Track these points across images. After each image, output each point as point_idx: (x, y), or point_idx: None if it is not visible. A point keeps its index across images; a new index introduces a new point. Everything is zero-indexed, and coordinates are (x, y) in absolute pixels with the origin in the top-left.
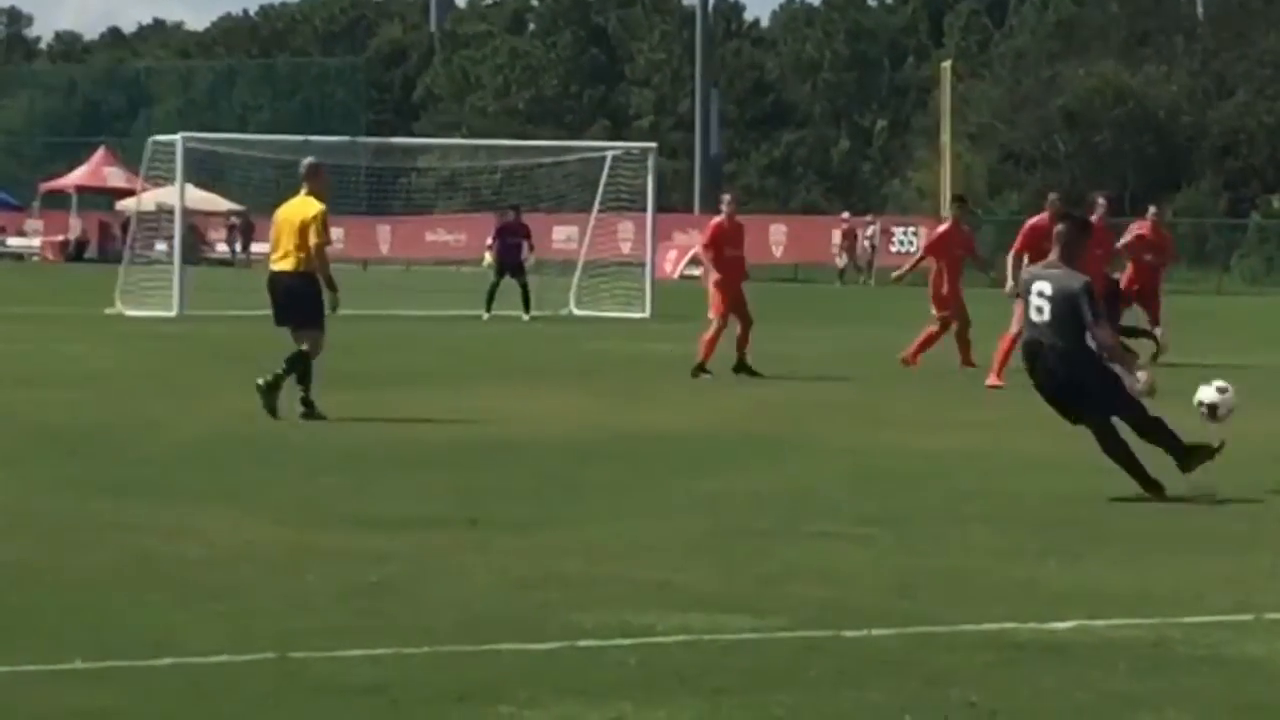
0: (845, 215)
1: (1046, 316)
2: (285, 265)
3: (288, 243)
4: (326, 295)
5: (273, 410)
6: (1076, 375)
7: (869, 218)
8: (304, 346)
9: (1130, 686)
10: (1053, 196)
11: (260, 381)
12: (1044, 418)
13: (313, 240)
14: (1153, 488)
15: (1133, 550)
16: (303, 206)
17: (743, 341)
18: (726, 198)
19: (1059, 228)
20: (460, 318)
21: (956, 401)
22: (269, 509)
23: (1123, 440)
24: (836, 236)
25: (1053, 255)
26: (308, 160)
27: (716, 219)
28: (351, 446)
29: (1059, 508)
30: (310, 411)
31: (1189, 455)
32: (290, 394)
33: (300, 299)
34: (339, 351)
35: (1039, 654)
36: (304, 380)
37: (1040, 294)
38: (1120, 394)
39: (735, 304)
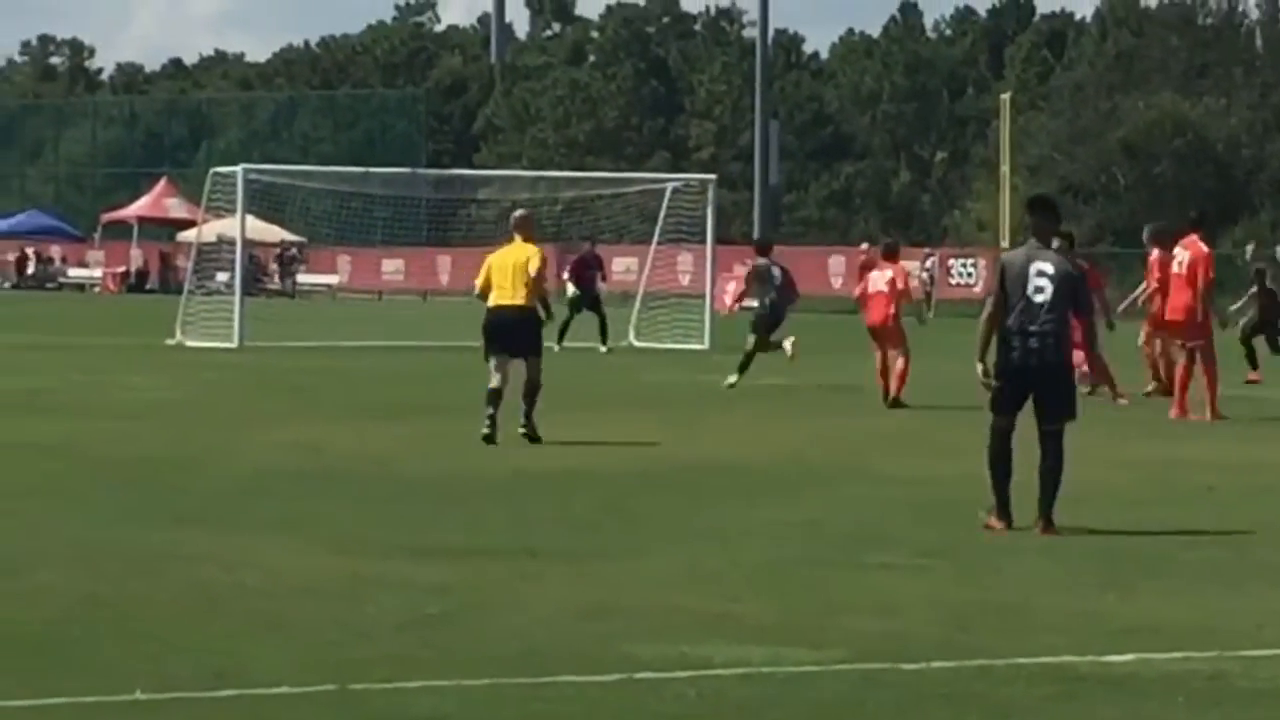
0: (864, 246)
1: (1048, 296)
2: (513, 301)
3: (515, 282)
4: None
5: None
6: (1063, 359)
7: (927, 250)
8: (532, 374)
9: (1189, 719)
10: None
11: (521, 431)
12: (1101, 451)
13: (533, 272)
14: (1005, 516)
15: (1191, 583)
16: (522, 251)
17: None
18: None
19: (1035, 217)
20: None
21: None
22: (329, 540)
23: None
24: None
25: (1033, 240)
26: (519, 212)
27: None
28: (411, 477)
29: (1118, 540)
30: (531, 433)
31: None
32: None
33: (527, 331)
34: (400, 382)
35: (1098, 687)
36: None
37: (1042, 274)
38: (1075, 396)
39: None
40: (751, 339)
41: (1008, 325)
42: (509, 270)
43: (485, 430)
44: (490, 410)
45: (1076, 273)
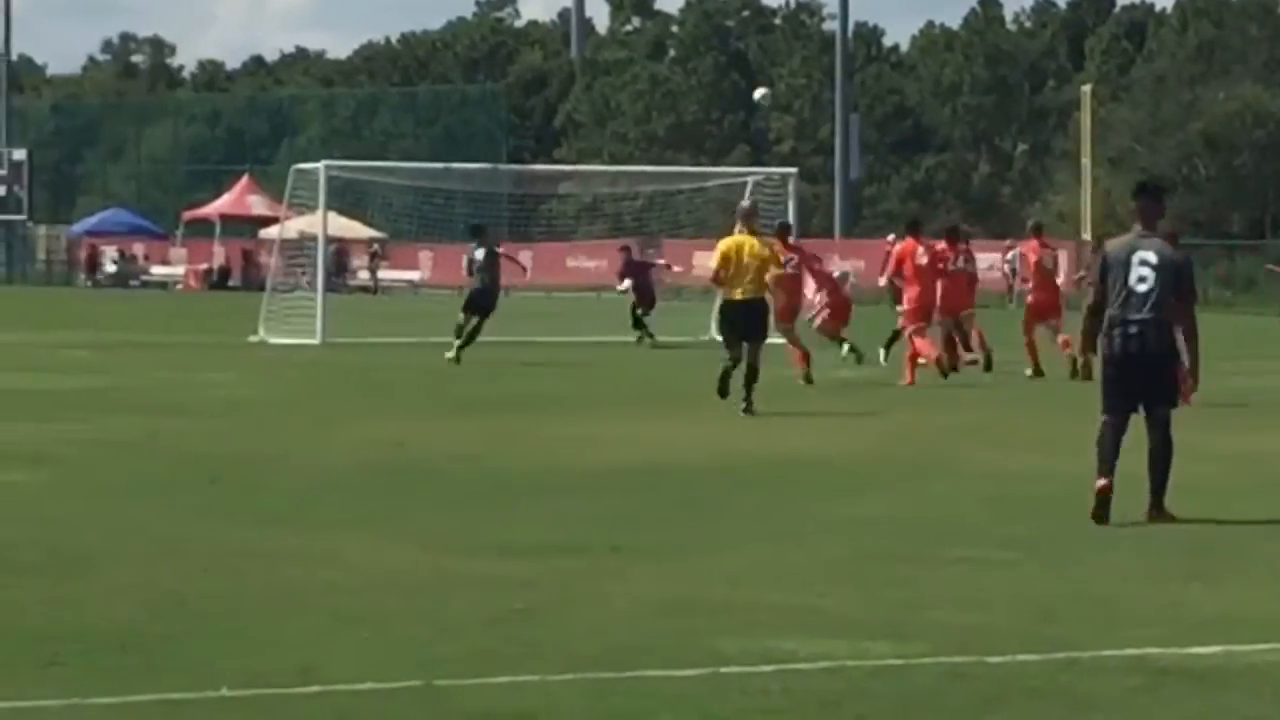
0: (890, 238)
1: (1151, 285)
2: (749, 294)
3: (751, 275)
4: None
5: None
6: (1166, 347)
7: (1008, 242)
8: (753, 358)
9: (1275, 712)
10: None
11: (742, 408)
12: (1183, 442)
13: (773, 271)
14: (1107, 473)
15: (1277, 574)
16: (757, 246)
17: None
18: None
19: (1141, 202)
20: (601, 344)
21: (1095, 425)
22: (412, 536)
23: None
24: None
25: (1138, 227)
26: (745, 204)
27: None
28: (493, 473)
29: (1202, 531)
30: (750, 409)
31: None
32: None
33: (761, 318)
34: (482, 377)
35: (1182, 679)
36: (749, 386)
37: (1145, 262)
38: (1177, 381)
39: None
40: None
41: (1110, 315)
42: (748, 268)
43: (739, 401)
44: (722, 384)
45: (1182, 259)
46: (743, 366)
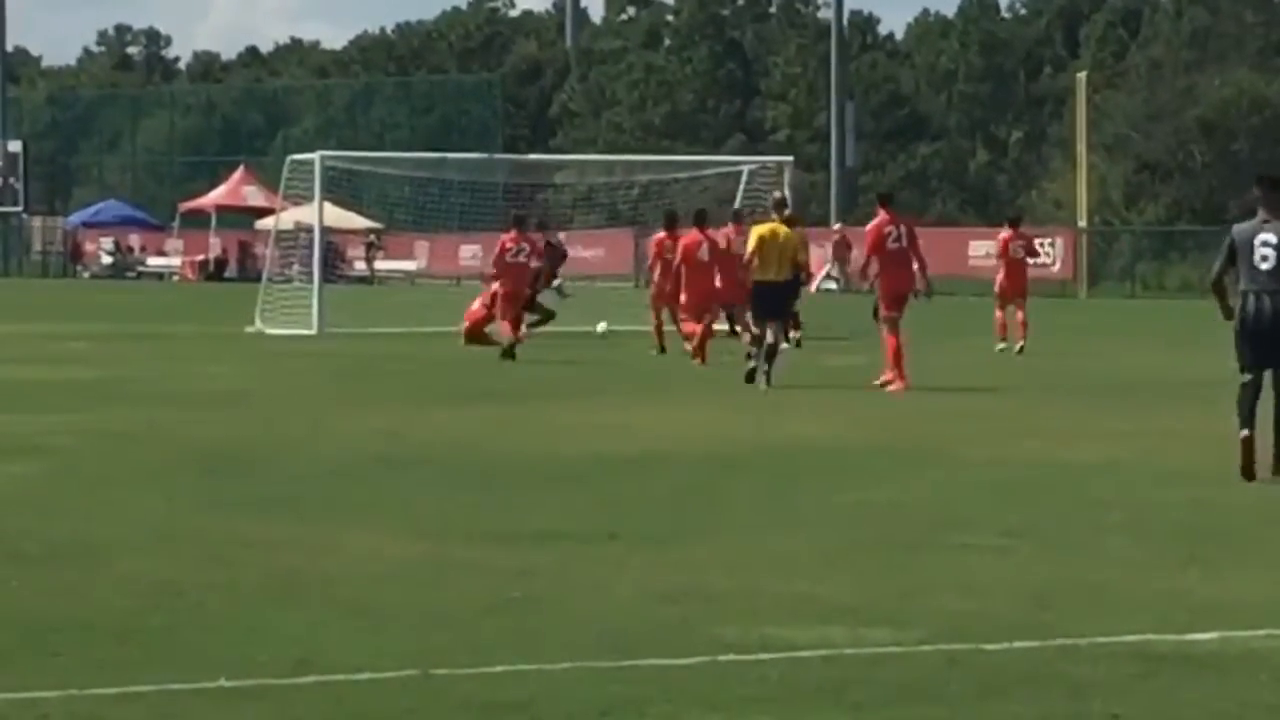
0: (837, 226)
1: (1272, 264)
2: (778, 276)
3: (780, 261)
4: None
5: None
6: None
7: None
8: (775, 335)
9: (1273, 697)
10: None
11: (764, 384)
12: (1181, 429)
13: (801, 258)
14: (1248, 425)
15: (1275, 560)
16: (787, 236)
17: None
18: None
19: (1265, 192)
20: (595, 334)
21: (1094, 412)
22: (410, 525)
23: None
24: (828, 250)
25: (1263, 212)
26: (779, 194)
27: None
28: (491, 461)
29: (1200, 518)
30: (769, 382)
31: None
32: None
33: (784, 299)
34: (479, 367)
35: (1181, 665)
36: (770, 360)
37: (1266, 244)
38: None
39: None
40: None
41: (1241, 289)
42: (778, 250)
43: (750, 366)
44: (755, 351)
45: None
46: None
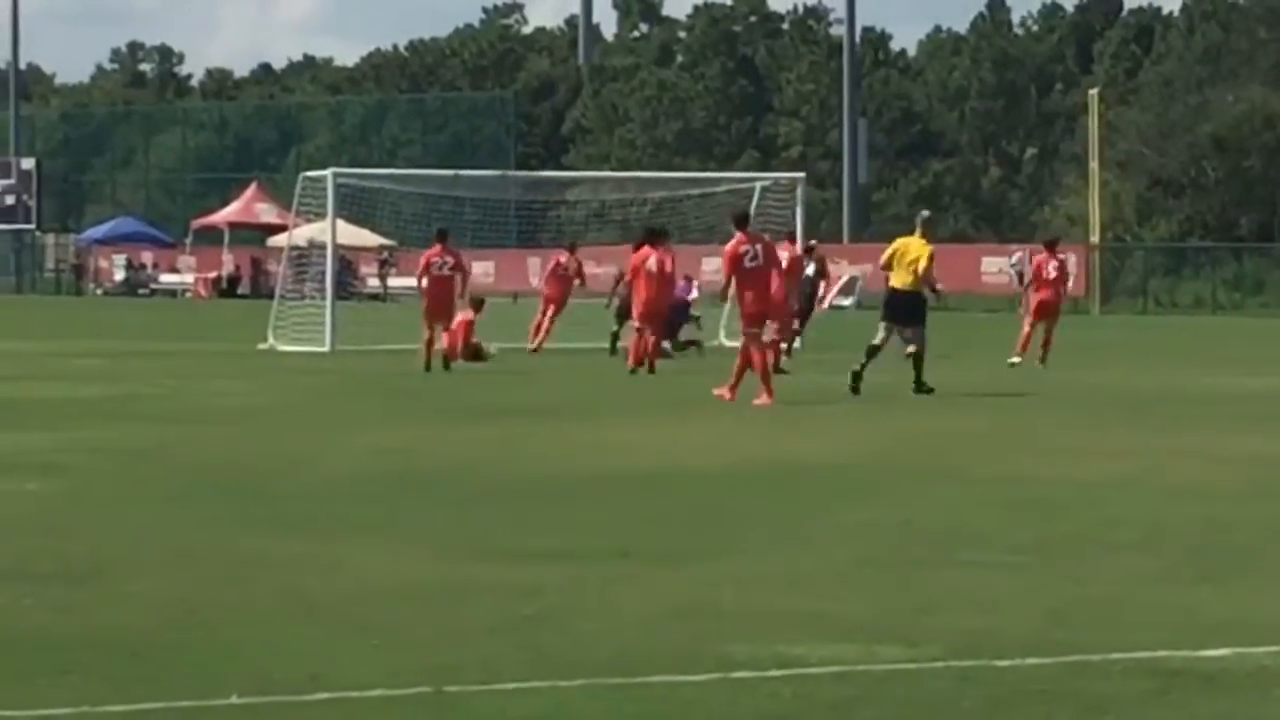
0: (813, 242)
1: None
2: (908, 285)
3: (909, 269)
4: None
5: (856, 390)
6: None
7: (1014, 246)
8: (913, 346)
9: None
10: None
11: (914, 388)
12: (1194, 445)
13: (923, 266)
14: None
15: None
16: (922, 249)
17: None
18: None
19: None
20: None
21: (1106, 429)
22: (422, 543)
23: None
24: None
25: None
26: (926, 213)
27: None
28: (504, 479)
29: (1212, 534)
30: (921, 388)
31: None
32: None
33: (915, 308)
34: (491, 384)
35: (1193, 682)
36: (919, 365)
37: None
38: None
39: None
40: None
41: None
42: (909, 263)
43: (855, 368)
44: (865, 361)
45: None
46: (887, 355)
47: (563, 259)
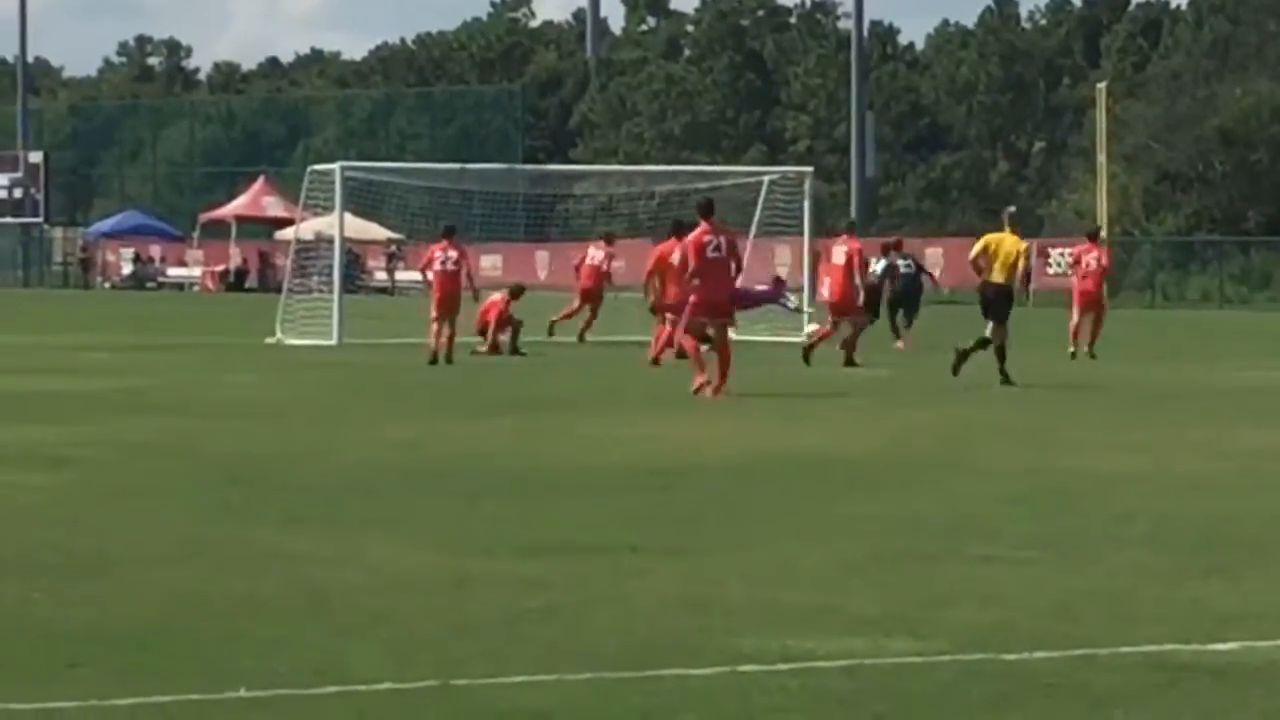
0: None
1: None
2: (1000, 279)
3: (1003, 267)
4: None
5: (956, 371)
6: None
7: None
8: (989, 336)
9: None
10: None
11: (958, 348)
12: (1203, 439)
13: (1021, 265)
14: None
15: None
16: (1013, 244)
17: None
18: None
19: None
20: (618, 343)
21: (1114, 423)
22: (430, 536)
23: None
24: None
25: None
26: (1011, 209)
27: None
28: (512, 473)
29: (1221, 528)
30: (1005, 380)
31: None
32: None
33: (1004, 302)
34: (498, 378)
35: (1202, 675)
36: (1002, 357)
37: None
38: None
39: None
40: None
41: None
42: (1000, 258)
43: (961, 347)
44: (972, 347)
45: None
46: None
47: (600, 251)
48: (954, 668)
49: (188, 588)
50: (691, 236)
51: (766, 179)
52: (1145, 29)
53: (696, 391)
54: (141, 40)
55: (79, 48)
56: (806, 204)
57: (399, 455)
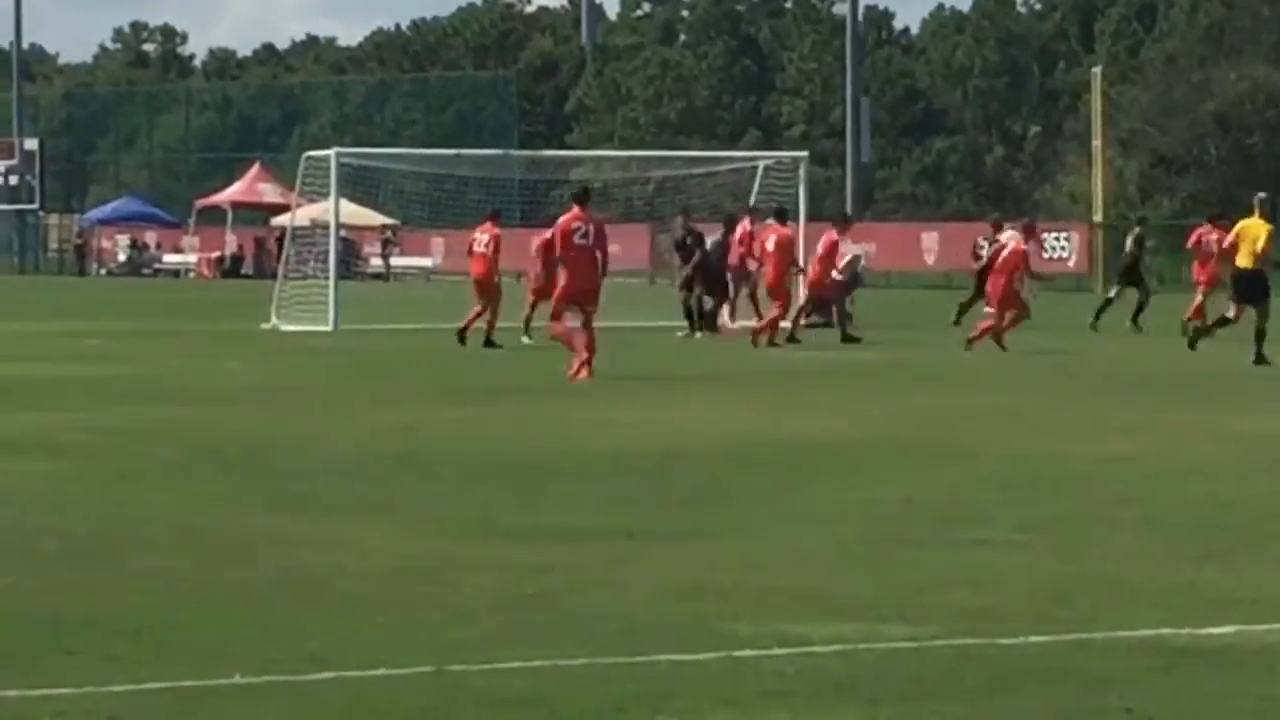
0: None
1: None
2: (1248, 263)
3: (1248, 251)
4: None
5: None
6: None
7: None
8: (1260, 321)
9: None
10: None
11: (1253, 359)
12: (1197, 423)
13: (1262, 245)
14: None
15: None
16: (1261, 226)
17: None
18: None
19: None
20: (613, 329)
21: (1109, 407)
22: (426, 521)
23: None
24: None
25: None
26: (1261, 195)
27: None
28: (507, 458)
29: (1216, 512)
30: (1260, 359)
31: None
32: None
33: (1257, 286)
34: (494, 364)
35: (1197, 659)
36: (1260, 340)
37: None
38: None
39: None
40: None
41: None
42: (1248, 242)
43: (1199, 324)
44: (1212, 325)
45: None
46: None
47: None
48: (948, 652)
49: (183, 574)
50: (560, 221)
51: (762, 164)
52: (1140, 13)
53: (574, 376)
54: (137, 26)
55: (74, 34)
56: (802, 189)
57: (394, 441)
